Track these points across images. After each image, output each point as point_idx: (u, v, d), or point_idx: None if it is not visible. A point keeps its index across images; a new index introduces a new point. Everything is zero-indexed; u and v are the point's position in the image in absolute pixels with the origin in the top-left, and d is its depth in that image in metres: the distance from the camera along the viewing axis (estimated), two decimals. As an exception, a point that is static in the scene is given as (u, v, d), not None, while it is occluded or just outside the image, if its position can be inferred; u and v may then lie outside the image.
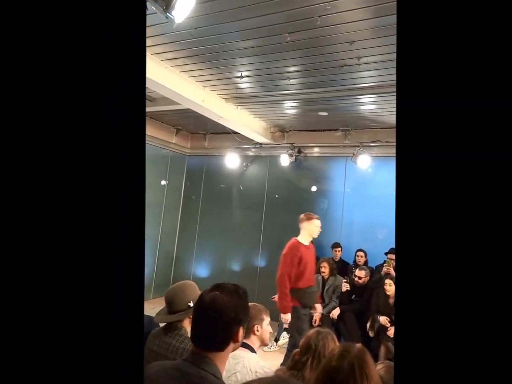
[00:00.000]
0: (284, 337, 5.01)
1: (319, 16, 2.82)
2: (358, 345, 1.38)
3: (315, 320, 4.83)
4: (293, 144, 6.36)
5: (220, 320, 1.21)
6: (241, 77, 4.27)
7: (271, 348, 4.90)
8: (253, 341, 1.99)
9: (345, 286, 4.90)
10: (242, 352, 1.79)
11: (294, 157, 6.35)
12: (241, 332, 1.26)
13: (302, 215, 4.06)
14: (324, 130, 6.18)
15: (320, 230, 4.04)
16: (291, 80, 4.22)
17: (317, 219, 4.00)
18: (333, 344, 1.71)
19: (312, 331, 1.86)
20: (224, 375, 1.55)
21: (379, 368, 1.58)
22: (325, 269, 5.08)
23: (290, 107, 5.32)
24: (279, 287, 3.83)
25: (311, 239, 4.03)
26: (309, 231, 3.96)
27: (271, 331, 2.14)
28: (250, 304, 2.12)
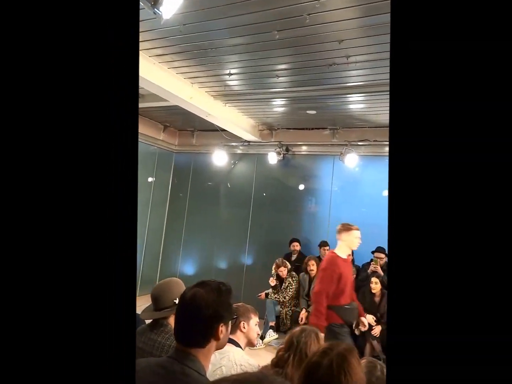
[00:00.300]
0: (270, 335, 5.02)
1: (308, 14, 2.82)
2: (346, 343, 1.38)
3: (301, 318, 4.85)
4: (281, 142, 6.37)
5: (199, 316, 1.22)
6: (230, 74, 4.25)
7: (257, 345, 4.91)
8: (239, 337, 2.01)
9: None
10: (227, 347, 1.79)
11: (282, 155, 6.36)
12: (222, 329, 1.26)
13: (339, 226, 3.63)
14: (312, 129, 6.20)
15: (360, 242, 3.60)
16: (279, 78, 4.22)
17: (357, 229, 3.57)
18: (317, 342, 1.71)
19: (297, 328, 1.87)
20: (210, 369, 1.55)
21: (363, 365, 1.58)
22: (314, 267, 5.10)
23: (278, 105, 5.33)
24: (315, 304, 3.47)
25: (349, 251, 3.67)
26: (348, 243, 3.55)
27: (259, 332, 2.16)
28: (239, 303, 2.14)
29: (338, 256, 3.53)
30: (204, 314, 1.22)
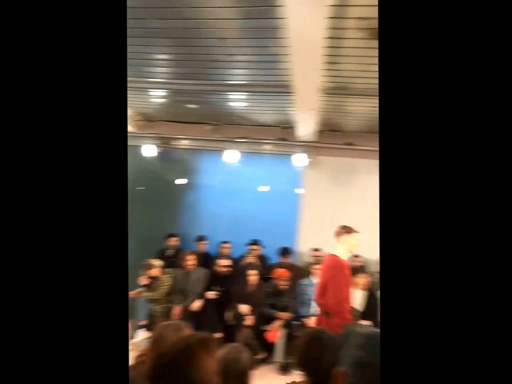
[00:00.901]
0: (141, 335, 4.81)
1: (190, 8, 2.78)
2: (206, 334, 1.38)
3: (174, 314, 4.80)
4: (160, 135, 6.18)
5: None
6: (105, 59, 3.99)
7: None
8: None
9: (213, 295, 4.93)
10: None
11: (160, 148, 6.17)
12: None
13: (339, 228, 3.46)
14: (193, 123, 6.14)
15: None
16: (158, 69, 4.10)
17: (358, 232, 3.44)
18: (174, 335, 1.69)
19: (162, 323, 1.85)
20: None
21: (224, 351, 1.70)
22: (193, 261, 5.08)
23: (157, 96, 5.16)
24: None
25: (348, 255, 3.50)
26: (348, 245, 3.40)
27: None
28: None
29: (341, 258, 3.40)
30: None
